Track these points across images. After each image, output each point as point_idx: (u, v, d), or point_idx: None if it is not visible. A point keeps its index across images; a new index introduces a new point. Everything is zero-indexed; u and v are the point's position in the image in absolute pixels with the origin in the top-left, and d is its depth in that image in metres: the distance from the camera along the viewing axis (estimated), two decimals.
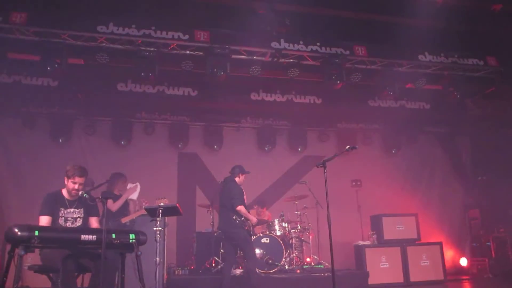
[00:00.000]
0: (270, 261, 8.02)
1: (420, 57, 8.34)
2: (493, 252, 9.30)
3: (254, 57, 7.96)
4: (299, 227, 9.04)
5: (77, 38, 7.11)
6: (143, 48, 7.25)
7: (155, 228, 5.65)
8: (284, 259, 8.40)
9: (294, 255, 8.66)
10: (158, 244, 5.33)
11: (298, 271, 8.27)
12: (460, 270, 9.66)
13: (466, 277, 8.91)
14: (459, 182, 11.06)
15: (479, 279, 8.70)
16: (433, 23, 7.74)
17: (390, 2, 7.40)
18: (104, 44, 7.22)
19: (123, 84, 8.67)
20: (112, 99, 8.88)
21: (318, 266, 8.77)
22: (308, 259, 9.22)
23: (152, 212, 5.87)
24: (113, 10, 7.03)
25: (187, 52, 7.65)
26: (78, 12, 6.92)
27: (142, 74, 7.31)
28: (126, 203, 6.81)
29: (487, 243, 9.50)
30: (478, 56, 8.40)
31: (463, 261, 9.79)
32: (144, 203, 7.43)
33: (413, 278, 8.10)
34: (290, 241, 8.78)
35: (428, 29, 7.81)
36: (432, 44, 8.12)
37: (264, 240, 8.43)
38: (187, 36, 7.42)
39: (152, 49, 7.30)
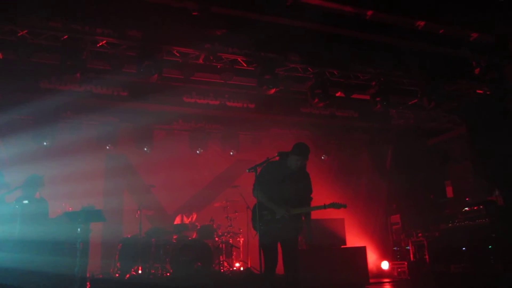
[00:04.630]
0: (199, 266, 7.93)
1: (350, 66, 8.63)
2: (411, 256, 9.82)
3: (188, 59, 7.83)
4: (229, 232, 9.03)
5: None
6: (69, 44, 6.84)
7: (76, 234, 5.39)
8: (213, 264, 8.34)
9: (223, 260, 8.63)
10: (78, 252, 5.07)
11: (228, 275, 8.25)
12: (381, 273, 10.09)
13: (387, 280, 9.32)
14: (383, 188, 11.58)
15: (398, 282, 9.14)
16: (362, 35, 8.04)
17: (320, 13, 7.58)
18: (24, 39, 6.72)
19: (46, 81, 8.13)
20: (34, 96, 8.29)
21: None
22: (237, 264, 9.23)
23: (73, 218, 5.59)
24: (37, 1, 6.57)
25: (118, 50, 7.35)
26: None
27: (68, 71, 6.92)
28: None
29: (407, 247, 10.02)
30: (403, 68, 8.83)
31: (384, 265, 10.25)
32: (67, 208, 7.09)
33: (338, 281, 8.33)
34: (220, 246, 8.74)
35: (358, 40, 8.12)
36: (361, 55, 8.42)
37: (194, 245, 8.32)
38: (117, 34, 7.12)
39: (79, 45, 6.91)
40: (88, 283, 6.66)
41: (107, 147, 9.38)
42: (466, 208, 8.99)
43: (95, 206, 6.81)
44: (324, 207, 5.24)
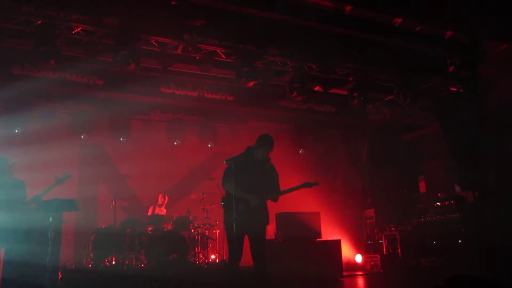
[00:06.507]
0: (175, 258, 7.91)
1: (329, 61, 8.67)
2: (384, 249, 9.99)
3: (166, 49, 7.75)
4: (205, 224, 9.02)
5: None
6: (43, 30, 6.66)
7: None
8: (189, 256, 8.33)
9: (199, 251, 8.62)
10: (50, 242, 4.99)
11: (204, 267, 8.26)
12: (355, 266, 10.24)
13: (360, 273, 9.46)
14: (358, 183, 11.72)
15: (371, 275, 9.29)
16: (340, 30, 8.08)
17: (300, 7, 7.59)
18: None
19: (19, 67, 7.92)
20: (6, 83, 8.08)
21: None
22: (213, 256, 9.24)
23: (45, 207, 5.50)
24: None
25: (94, 38, 7.21)
26: None
27: (41, 58, 6.74)
28: None
29: (380, 241, 10.18)
30: (380, 64, 8.92)
31: (358, 258, 10.41)
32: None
33: (313, 273, 8.40)
34: (196, 238, 8.73)
35: (337, 35, 8.16)
36: (340, 50, 8.46)
37: (169, 236, 8.29)
38: (93, 21, 6.98)
39: (53, 32, 6.74)
40: (60, 273, 6.56)
41: (82, 136, 9.22)
42: (438, 203, 9.22)
43: (71, 175, 6.63)
44: (297, 188, 5.34)
